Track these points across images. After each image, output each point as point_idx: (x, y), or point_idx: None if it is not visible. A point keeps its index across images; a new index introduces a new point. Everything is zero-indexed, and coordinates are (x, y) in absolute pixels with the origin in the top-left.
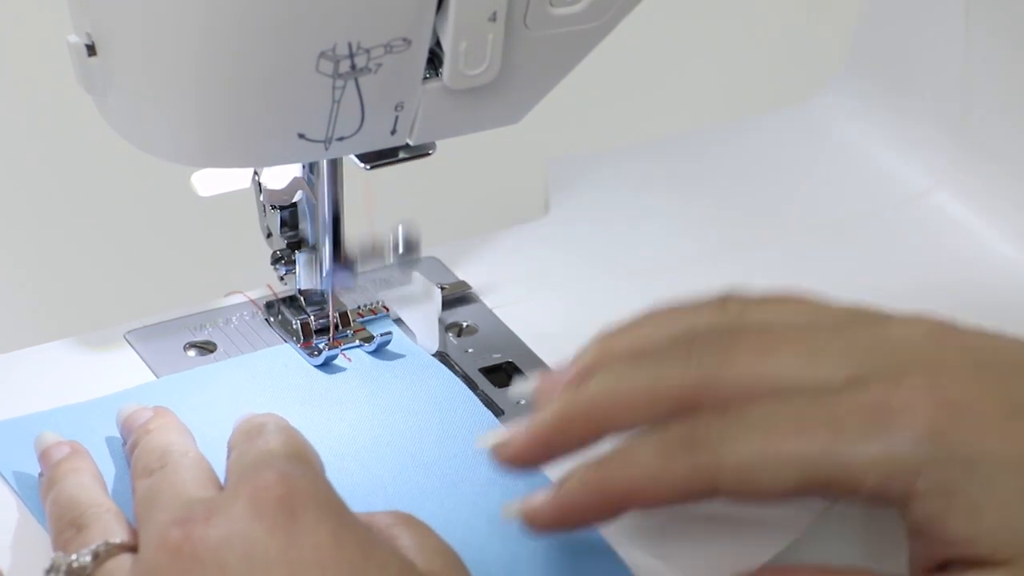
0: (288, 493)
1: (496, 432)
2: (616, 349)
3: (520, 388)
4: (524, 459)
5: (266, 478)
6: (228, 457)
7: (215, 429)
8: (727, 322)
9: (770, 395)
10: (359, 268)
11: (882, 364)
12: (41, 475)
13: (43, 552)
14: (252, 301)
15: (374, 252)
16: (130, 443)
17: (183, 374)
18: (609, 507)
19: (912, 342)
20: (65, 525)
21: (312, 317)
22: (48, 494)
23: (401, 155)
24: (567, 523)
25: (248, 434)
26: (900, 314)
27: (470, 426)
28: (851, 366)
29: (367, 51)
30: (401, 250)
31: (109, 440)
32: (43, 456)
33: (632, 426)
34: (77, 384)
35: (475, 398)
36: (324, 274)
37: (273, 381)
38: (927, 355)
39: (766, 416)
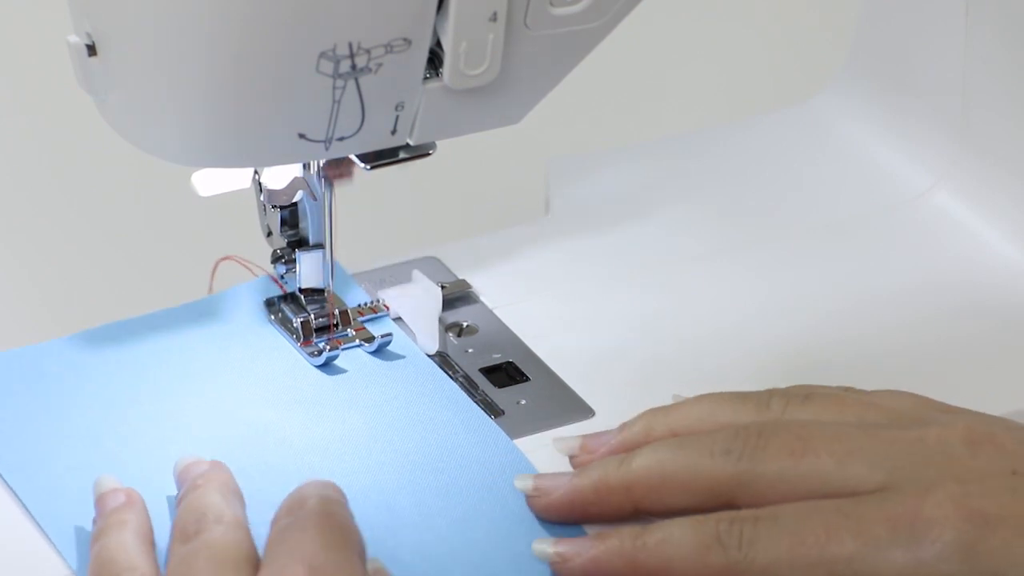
0: None
1: (536, 477)
2: (661, 429)
3: (563, 445)
4: (558, 515)
5: (296, 573)
6: (272, 527)
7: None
8: (769, 420)
9: (803, 497)
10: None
11: (915, 471)
12: (95, 521)
13: None
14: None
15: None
16: (179, 496)
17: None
18: None
19: (948, 448)
20: None
21: (312, 315)
22: (93, 546)
23: (401, 155)
24: None
25: (290, 509)
26: (942, 416)
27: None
28: (884, 471)
29: (367, 51)
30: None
31: (72, 377)
32: (98, 502)
33: (667, 507)
34: None
35: (473, 405)
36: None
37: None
38: (961, 462)
39: (797, 519)
